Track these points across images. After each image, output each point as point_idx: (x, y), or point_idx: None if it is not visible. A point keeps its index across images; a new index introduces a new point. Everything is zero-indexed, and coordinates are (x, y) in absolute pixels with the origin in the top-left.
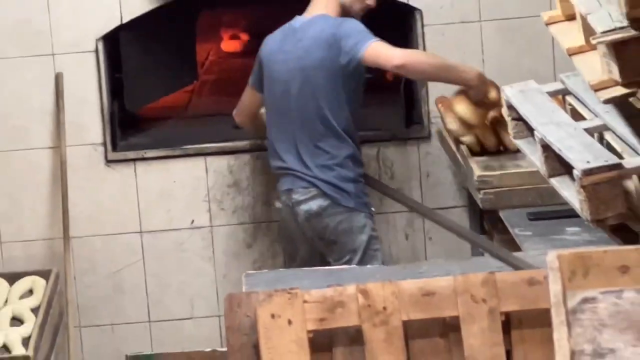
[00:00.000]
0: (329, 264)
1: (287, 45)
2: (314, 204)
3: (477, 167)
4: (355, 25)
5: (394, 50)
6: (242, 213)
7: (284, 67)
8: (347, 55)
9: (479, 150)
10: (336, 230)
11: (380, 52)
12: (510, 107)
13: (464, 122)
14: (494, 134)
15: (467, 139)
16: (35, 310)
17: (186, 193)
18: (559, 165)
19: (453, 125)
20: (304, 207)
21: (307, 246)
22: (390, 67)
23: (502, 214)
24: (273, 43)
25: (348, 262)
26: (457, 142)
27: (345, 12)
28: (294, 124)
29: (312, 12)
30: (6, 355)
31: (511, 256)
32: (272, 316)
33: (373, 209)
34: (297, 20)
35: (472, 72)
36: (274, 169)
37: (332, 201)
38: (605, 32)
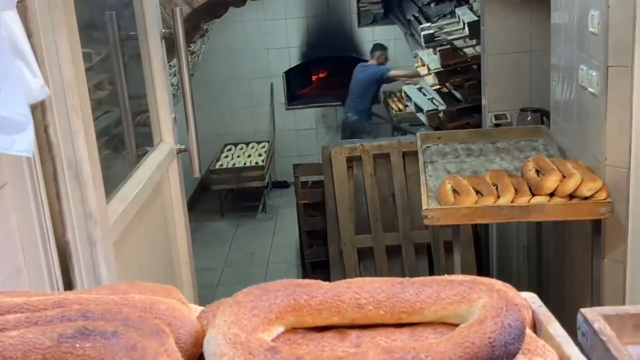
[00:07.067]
0: None
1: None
2: None
3: None
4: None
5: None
6: (332, 132)
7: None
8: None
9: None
10: None
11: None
12: None
13: None
14: None
15: None
16: (266, 152)
17: (314, 123)
18: None
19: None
20: None
21: None
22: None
23: None
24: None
25: None
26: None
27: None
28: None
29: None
30: (252, 165)
31: None
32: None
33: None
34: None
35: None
36: None
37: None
38: None
